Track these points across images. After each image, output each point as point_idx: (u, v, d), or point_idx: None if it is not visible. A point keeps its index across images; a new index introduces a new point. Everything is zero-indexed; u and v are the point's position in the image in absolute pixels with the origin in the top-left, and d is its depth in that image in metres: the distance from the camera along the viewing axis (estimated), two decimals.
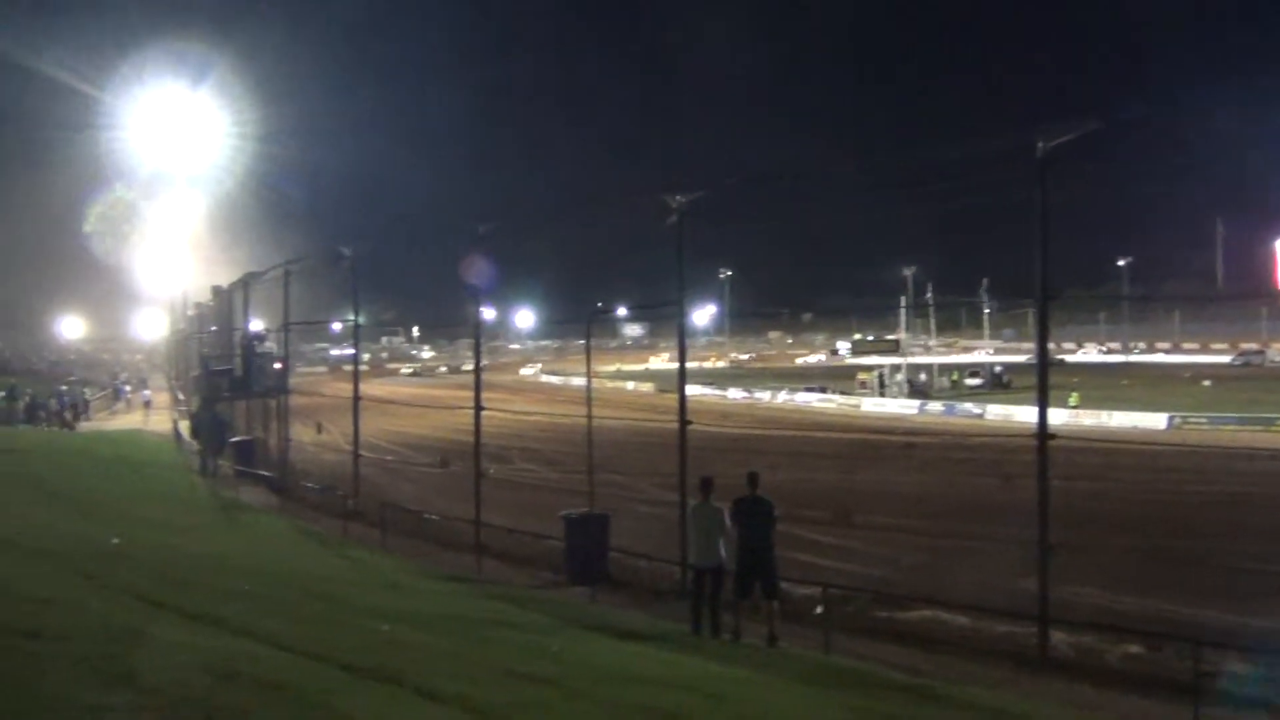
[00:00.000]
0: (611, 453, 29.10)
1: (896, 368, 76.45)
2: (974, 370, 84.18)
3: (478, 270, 20.31)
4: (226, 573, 12.54)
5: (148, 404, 56.04)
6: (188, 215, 58.98)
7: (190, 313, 53.06)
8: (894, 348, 78.75)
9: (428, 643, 9.19)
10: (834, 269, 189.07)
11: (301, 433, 35.61)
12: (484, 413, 20.78)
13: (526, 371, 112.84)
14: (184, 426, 37.92)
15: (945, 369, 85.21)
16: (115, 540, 13.26)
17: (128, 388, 66.74)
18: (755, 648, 12.37)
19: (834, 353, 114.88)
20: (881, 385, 75.73)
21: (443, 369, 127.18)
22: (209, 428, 31.77)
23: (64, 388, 57.39)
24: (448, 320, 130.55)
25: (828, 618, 12.63)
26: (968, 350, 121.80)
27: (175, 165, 55.28)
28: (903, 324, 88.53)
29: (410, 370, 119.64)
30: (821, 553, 18.99)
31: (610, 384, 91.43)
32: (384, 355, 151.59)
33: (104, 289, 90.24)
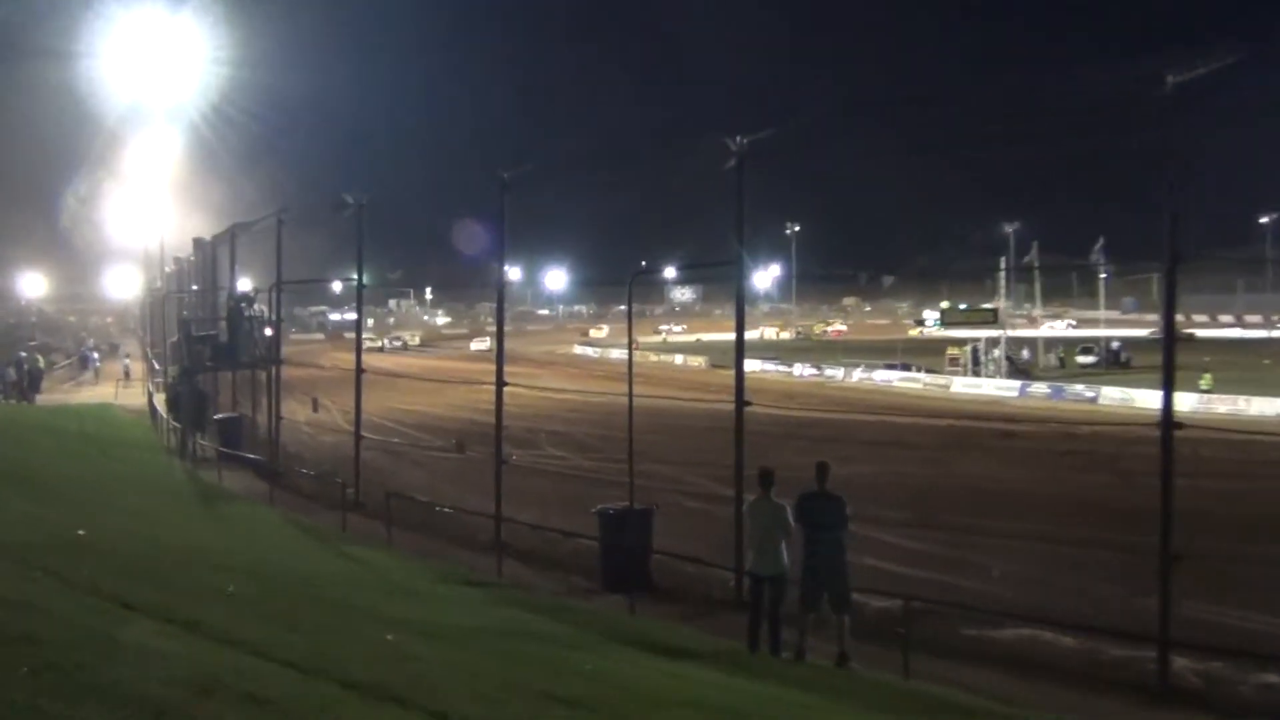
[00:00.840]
0: (656, 438, 28.99)
1: (994, 342, 75.68)
2: (1087, 346, 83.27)
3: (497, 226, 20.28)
4: (207, 571, 12.76)
5: (128, 374, 56.81)
6: (166, 154, 59.44)
7: (168, 269, 53.54)
8: (991, 318, 77.72)
9: (439, 657, 9.33)
10: (921, 225, 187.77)
11: (296, 410, 35.88)
12: (507, 389, 20.91)
13: (478, 346, 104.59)
14: (160, 400, 38.31)
15: (1052, 344, 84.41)
16: (80, 531, 13.46)
17: (96, 354, 67.36)
18: (822, 669, 12.39)
19: (920, 324, 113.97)
20: (976, 362, 75.11)
21: (415, 339, 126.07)
22: (189, 401, 32.11)
23: (23, 354, 58.24)
24: (465, 281, 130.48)
25: (908, 635, 12.57)
26: (1080, 322, 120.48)
27: (153, 98, 55.69)
28: (1002, 290, 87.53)
29: (380, 344, 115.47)
30: (902, 559, 18.93)
31: (655, 357, 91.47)
32: (391, 320, 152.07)
33: (70, 240, 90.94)
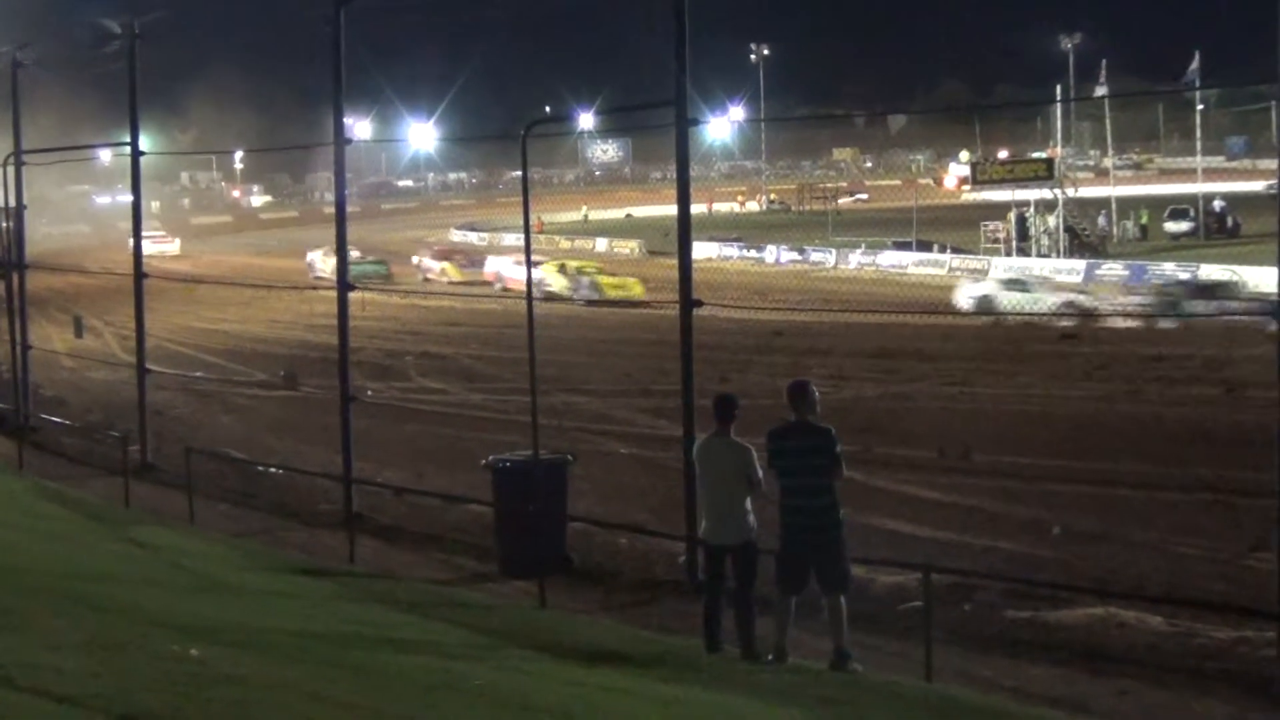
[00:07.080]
0: (572, 359, 30.46)
1: (1049, 205, 75.80)
2: (1179, 207, 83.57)
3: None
4: None
5: None
6: None
7: None
8: (1044, 172, 77.49)
9: (264, 677, 9.34)
10: (943, 45, 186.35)
11: (51, 335, 36.29)
12: (355, 296, 21.11)
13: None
14: None
15: (1131, 205, 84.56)
16: None
17: None
18: (811, 673, 12.29)
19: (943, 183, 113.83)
20: (1023, 236, 75.01)
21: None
22: None
23: None
24: (289, 141, 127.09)
25: (931, 621, 12.43)
26: (1169, 175, 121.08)
27: None
28: (1058, 132, 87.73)
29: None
30: (920, 515, 18.99)
31: (568, 243, 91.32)
32: (185, 203, 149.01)
33: None
